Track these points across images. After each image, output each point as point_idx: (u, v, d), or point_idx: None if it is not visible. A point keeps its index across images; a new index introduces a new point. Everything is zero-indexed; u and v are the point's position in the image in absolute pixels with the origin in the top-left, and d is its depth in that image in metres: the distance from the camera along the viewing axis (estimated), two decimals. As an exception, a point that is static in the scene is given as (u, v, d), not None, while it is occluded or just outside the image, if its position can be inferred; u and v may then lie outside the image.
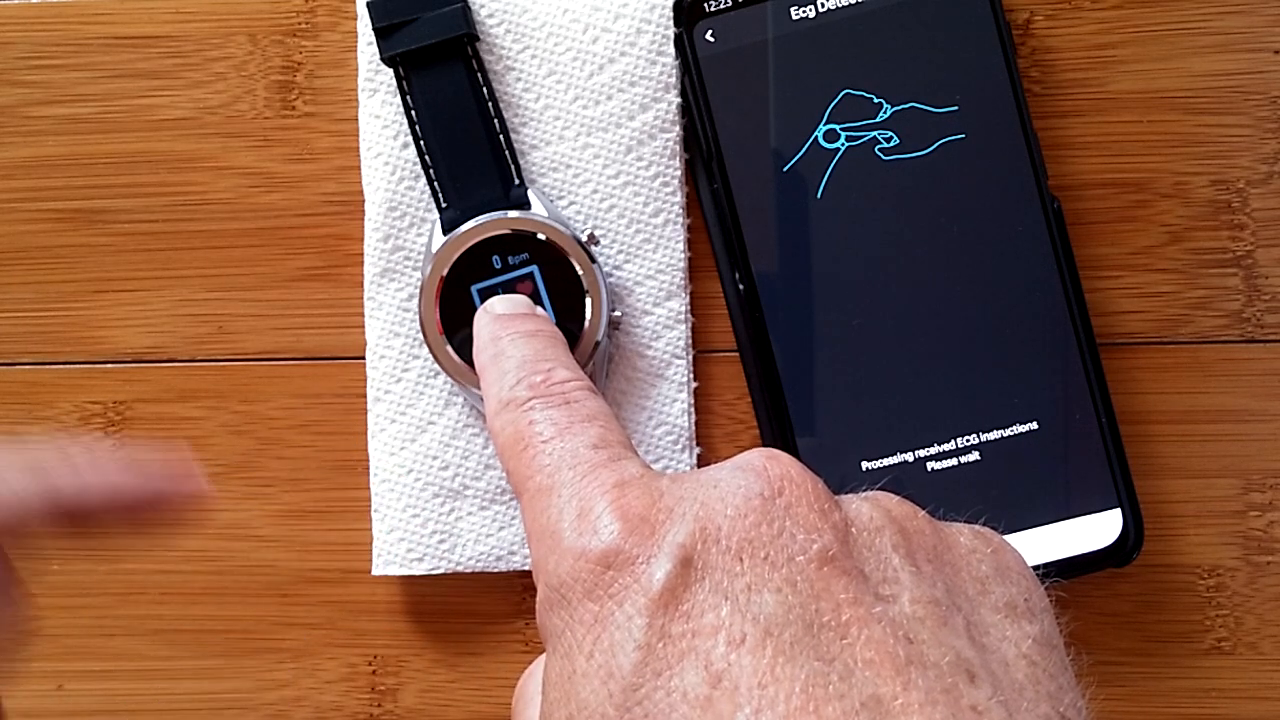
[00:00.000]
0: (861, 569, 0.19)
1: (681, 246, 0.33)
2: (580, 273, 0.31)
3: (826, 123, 0.32)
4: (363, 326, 0.33)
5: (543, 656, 0.21)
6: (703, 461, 0.33)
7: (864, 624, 0.17)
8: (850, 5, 0.32)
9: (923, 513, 0.21)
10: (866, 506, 0.20)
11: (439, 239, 0.31)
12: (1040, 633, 0.19)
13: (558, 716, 0.18)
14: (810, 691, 0.16)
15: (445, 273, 0.31)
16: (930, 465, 0.31)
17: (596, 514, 0.20)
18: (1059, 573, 0.31)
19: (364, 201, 0.33)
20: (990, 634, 0.19)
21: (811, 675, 0.17)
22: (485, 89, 0.32)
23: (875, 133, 0.32)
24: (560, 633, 0.19)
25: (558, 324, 0.30)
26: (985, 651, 0.18)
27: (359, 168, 0.33)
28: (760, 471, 0.20)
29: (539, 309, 0.30)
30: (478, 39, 0.32)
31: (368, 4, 0.31)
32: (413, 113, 0.32)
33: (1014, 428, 0.31)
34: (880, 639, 0.17)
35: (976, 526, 0.21)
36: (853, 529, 0.19)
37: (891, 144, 0.32)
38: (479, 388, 0.26)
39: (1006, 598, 0.19)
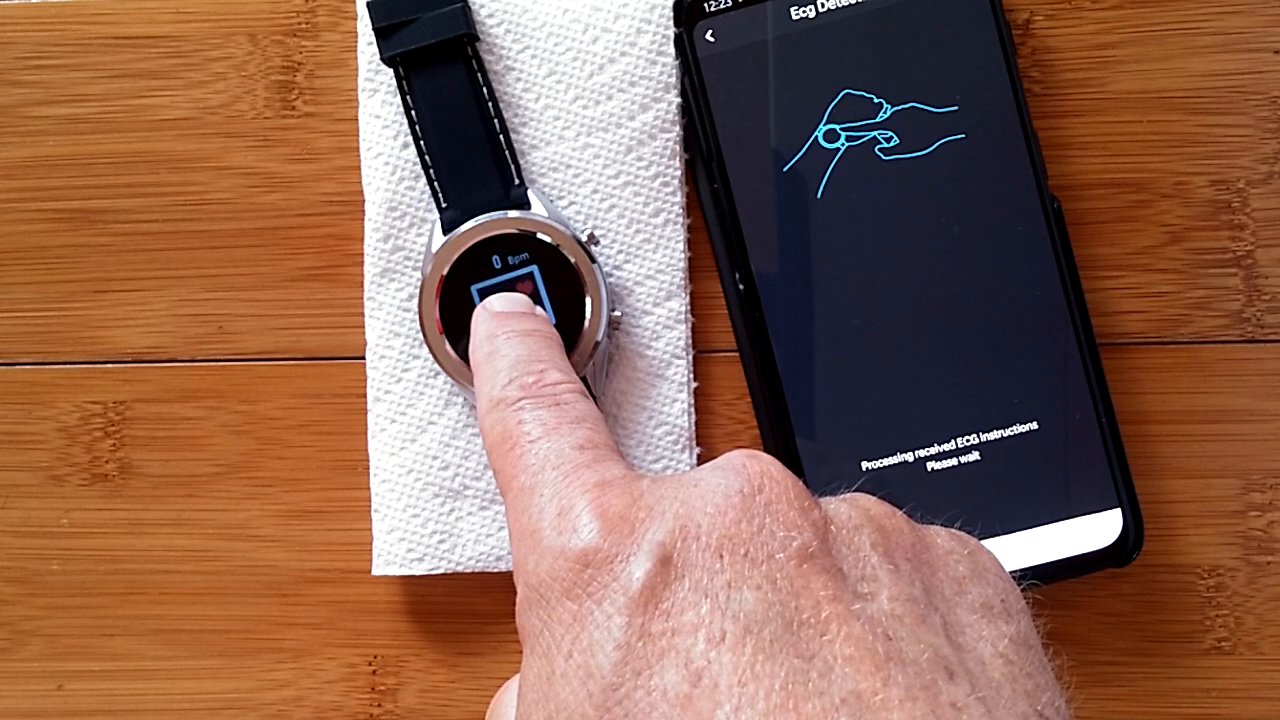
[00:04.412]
0: (840, 567, 0.19)
1: (681, 246, 0.33)
2: (580, 273, 0.31)
3: (826, 123, 0.32)
4: (363, 326, 0.33)
5: (516, 677, 0.21)
6: (702, 461, 0.33)
7: (843, 621, 0.17)
8: (850, 5, 0.32)
9: (900, 513, 0.21)
10: (845, 506, 0.20)
11: (439, 239, 0.31)
12: (1016, 633, 0.19)
13: (536, 717, 0.18)
14: (790, 688, 0.16)
15: (445, 272, 0.31)
16: (930, 465, 0.31)
17: (576, 513, 0.20)
18: (1059, 573, 0.31)
19: (364, 201, 0.33)
20: (967, 633, 0.19)
21: (791, 672, 0.17)
22: (485, 89, 0.32)
23: (875, 133, 0.32)
24: (539, 632, 0.19)
25: (557, 324, 0.30)
26: (962, 650, 0.18)
27: (359, 168, 0.33)
28: (740, 469, 0.20)
29: (537, 309, 0.30)
30: (478, 39, 0.32)
31: (368, 4, 0.31)
32: (413, 113, 0.32)
33: (1014, 428, 0.31)
34: (860, 636, 0.17)
35: (953, 529, 0.21)
36: (832, 527, 0.19)
37: (891, 144, 0.32)
38: (479, 388, 0.26)
39: (983, 598, 0.19)
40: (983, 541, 0.22)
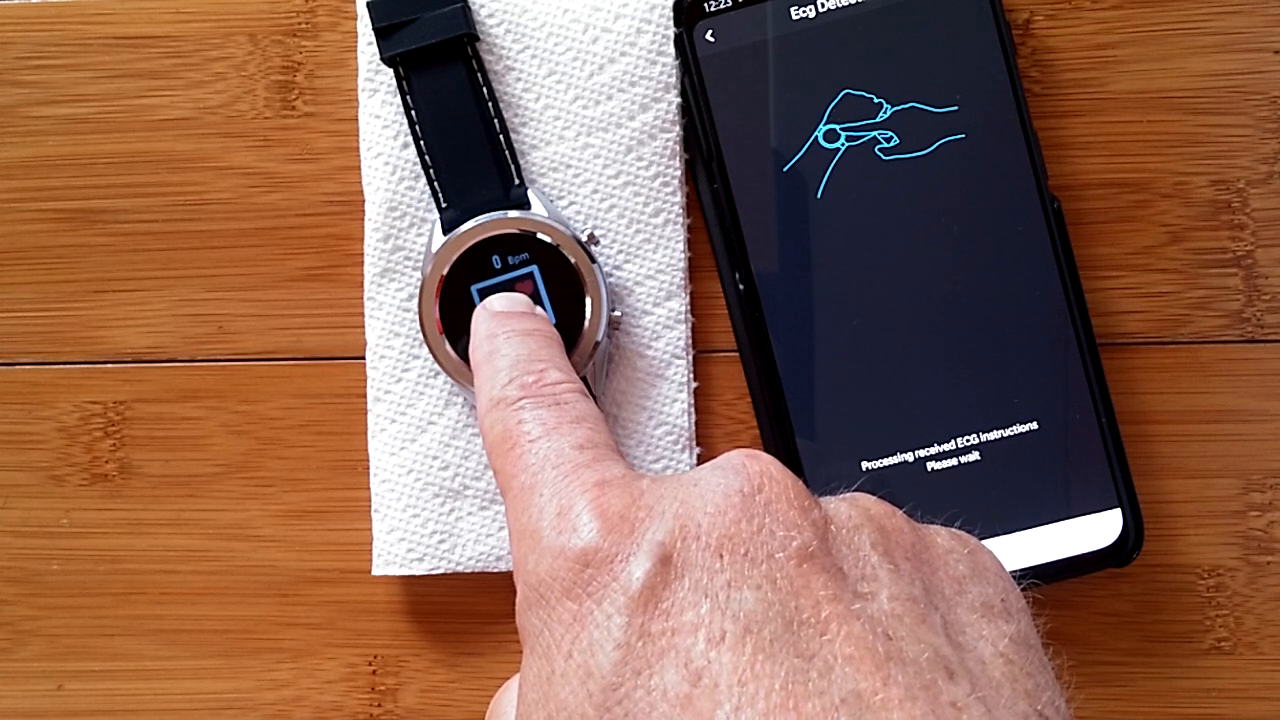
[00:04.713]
0: (840, 566, 0.19)
1: (681, 246, 0.33)
2: (580, 273, 0.31)
3: (826, 123, 0.32)
4: (363, 326, 0.33)
5: (516, 677, 0.21)
6: (702, 461, 0.33)
7: (843, 621, 0.17)
8: (850, 5, 0.32)
9: (900, 513, 0.21)
10: (845, 505, 0.20)
11: (439, 239, 0.31)
12: (1017, 632, 0.19)
13: (536, 718, 0.18)
14: (790, 688, 0.16)
15: (445, 272, 0.31)
16: (930, 465, 0.31)
17: (576, 513, 0.20)
18: (1059, 573, 0.31)
19: (364, 201, 0.33)
20: (967, 633, 0.19)
21: (791, 672, 0.17)
22: (485, 89, 0.32)
23: (875, 133, 0.32)
24: (539, 632, 0.19)
25: (557, 324, 0.30)
26: (962, 650, 0.18)
27: (359, 168, 0.33)
28: (740, 469, 0.20)
29: (537, 308, 0.30)
30: (478, 39, 0.32)
31: (368, 4, 0.31)
32: (413, 113, 0.32)
33: (1014, 428, 0.31)
34: (860, 635, 0.17)
35: (953, 529, 0.21)
36: (832, 526, 0.19)
37: (891, 144, 0.32)
38: (479, 387, 0.26)
39: (983, 598, 0.19)
40: (983, 541, 0.22)
